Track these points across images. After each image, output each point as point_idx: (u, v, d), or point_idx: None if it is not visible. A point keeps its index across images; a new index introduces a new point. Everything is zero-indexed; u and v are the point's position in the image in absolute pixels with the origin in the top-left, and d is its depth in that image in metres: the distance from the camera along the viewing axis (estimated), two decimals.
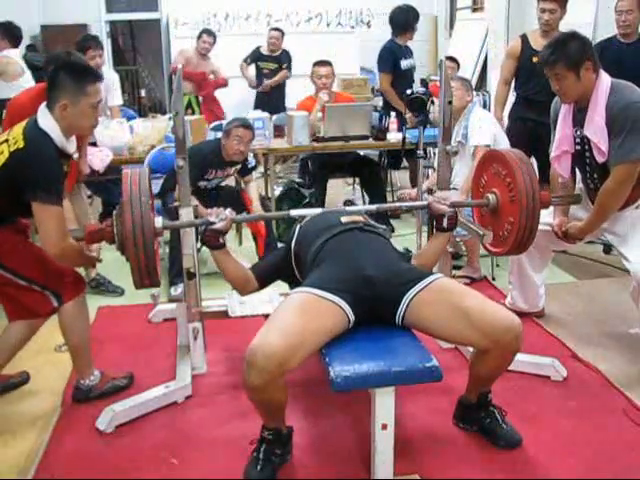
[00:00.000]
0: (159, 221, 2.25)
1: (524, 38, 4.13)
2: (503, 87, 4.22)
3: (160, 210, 3.46)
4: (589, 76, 2.51)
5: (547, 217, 2.89)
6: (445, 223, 2.42)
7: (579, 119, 2.61)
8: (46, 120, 2.22)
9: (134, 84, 10.02)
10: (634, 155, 2.47)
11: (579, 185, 2.85)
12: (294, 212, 2.59)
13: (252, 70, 6.89)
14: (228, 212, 2.33)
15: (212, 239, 2.32)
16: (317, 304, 2.03)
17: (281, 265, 2.52)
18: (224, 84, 6.61)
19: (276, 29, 6.91)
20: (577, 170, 2.79)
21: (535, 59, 4.00)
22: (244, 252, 3.97)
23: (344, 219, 2.40)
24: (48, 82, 2.29)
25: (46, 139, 2.20)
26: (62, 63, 2.30)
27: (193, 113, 6.24)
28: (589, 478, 2.07)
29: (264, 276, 2.50)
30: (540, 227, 2.93)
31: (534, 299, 3.21)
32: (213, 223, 2.29)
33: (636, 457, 2.17)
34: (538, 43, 4.01)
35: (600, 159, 2.54)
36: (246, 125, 3.75)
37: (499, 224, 2.47)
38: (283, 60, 6.79)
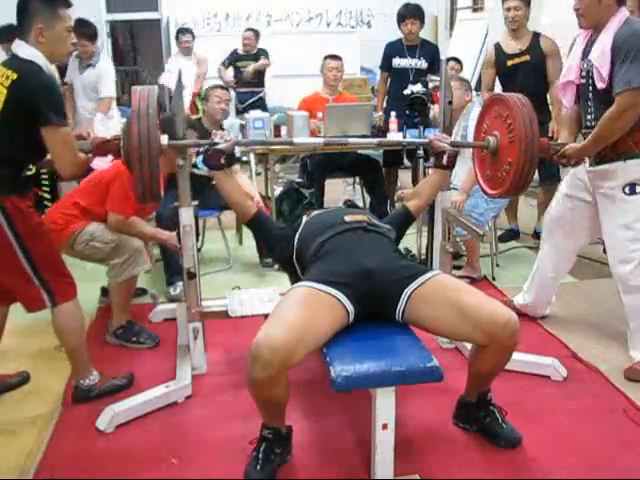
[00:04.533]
0: (165, 138, 2.31)
1: (497, 46, 4.30)
2: (487, 94, 4.26)
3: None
4: (610, 3, 2.51)
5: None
6: (445, 160, 2.54)
7: (589, 51, 2.61)
8: (26, 50, 2.22)
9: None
10: (636, 82, 2.44)
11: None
12: (297, 140, 2.92)
13: (230, 73, 6.99)
14: (233, 135, 2.38)
15: (214, 159, 2.41)
16: (317, 298, 2.04)
17: (275, 232, 2.52)
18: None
19: (250, 29, 7.05)
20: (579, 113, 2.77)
21: (510, 62, 4.17)
22: (244, 252, 3.96)
23: (347, 218, 2.40)
24: (18, 12, 2.26)
25: (35, 65, 2.19)
26: None
27: (197, 112, 6.31)
28: (589, 478, 2.07)
29: (258, 220, 2.51)
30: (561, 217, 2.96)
31: (543, 305, 3.21)
32: (217, 144, 2.38)
33: (636, 457, 2.17)
34: (510, 47, 4.21)
35: (600, 85, 2.54)
36: (222, 86, 4.36)
37: (498, 166, 2.50)
38: (260, 55, 6.95)
